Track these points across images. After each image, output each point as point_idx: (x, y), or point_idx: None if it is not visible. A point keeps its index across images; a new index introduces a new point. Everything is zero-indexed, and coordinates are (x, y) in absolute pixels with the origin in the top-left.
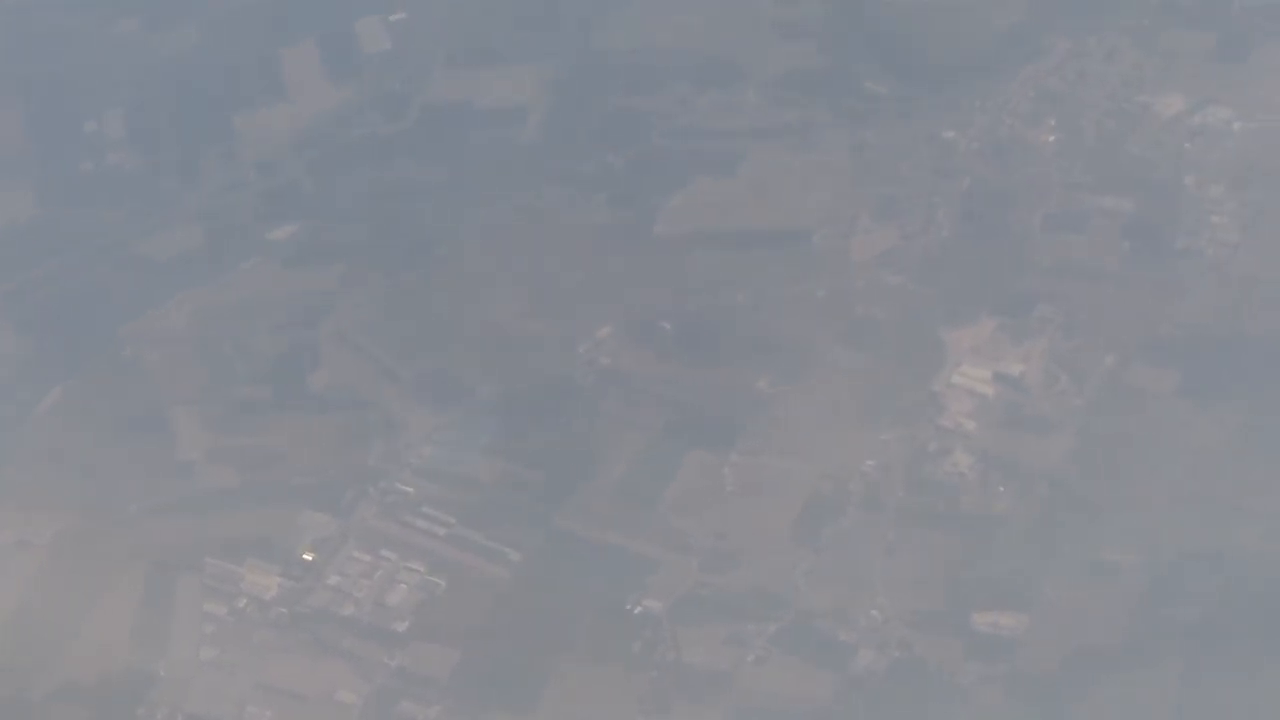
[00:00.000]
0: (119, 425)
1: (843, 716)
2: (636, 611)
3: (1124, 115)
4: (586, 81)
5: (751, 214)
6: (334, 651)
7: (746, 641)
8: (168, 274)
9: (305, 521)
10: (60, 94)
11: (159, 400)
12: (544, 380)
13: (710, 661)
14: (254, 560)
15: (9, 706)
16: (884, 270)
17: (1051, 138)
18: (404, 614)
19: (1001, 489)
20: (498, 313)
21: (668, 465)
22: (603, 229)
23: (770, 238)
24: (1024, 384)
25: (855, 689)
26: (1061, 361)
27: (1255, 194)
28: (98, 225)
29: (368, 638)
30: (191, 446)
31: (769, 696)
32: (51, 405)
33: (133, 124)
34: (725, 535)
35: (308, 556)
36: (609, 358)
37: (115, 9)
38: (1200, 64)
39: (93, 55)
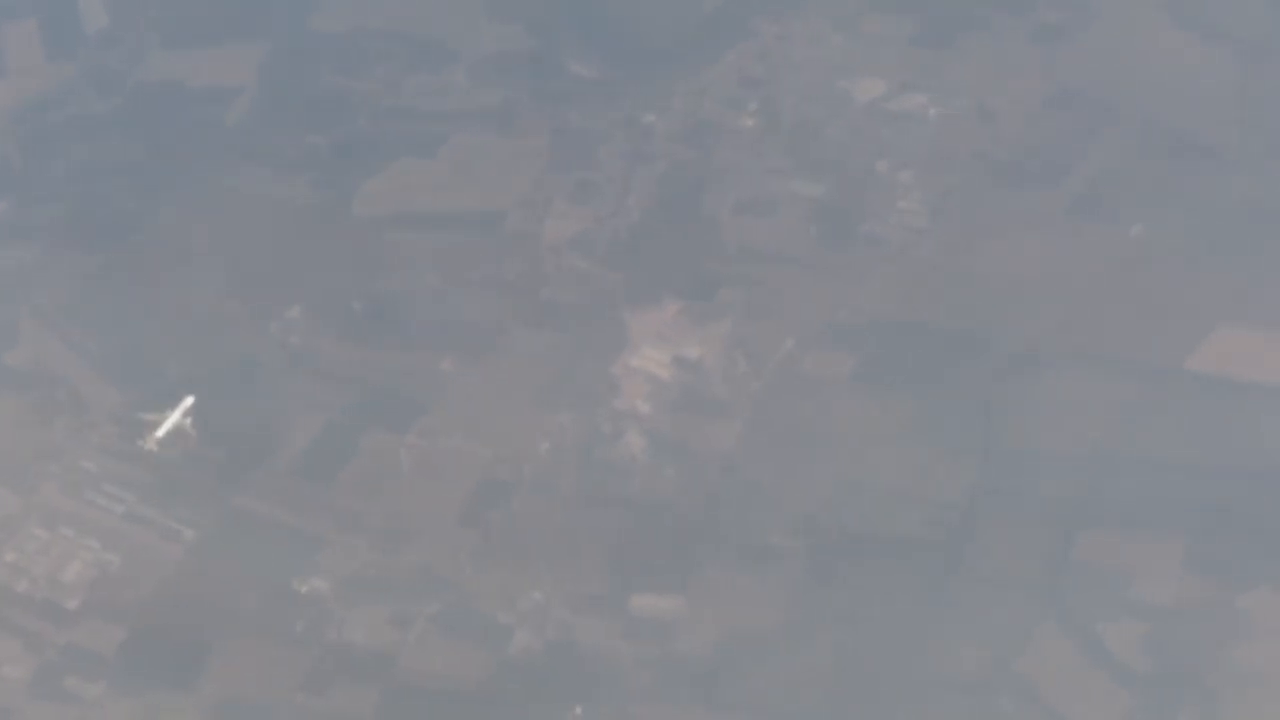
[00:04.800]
0: None
1: (497, 697)
2: (304, 591)
3: (823, 100)
4: (297, 62)
5: (449, 196)
6: (5, 628)
7: (408, 622)
8: None
9: None
10: None
11: None
12: (232, 359)
13: (371, 641)
14: None
15: None
16: (573, 254)
17: (751, 122)
18: (76, 591)
19: (671, 472)
20: (192, 292)
21: (346, 445)
22: (301, 210)
23: (465, 220)
24: (702, 367)
25: (511, 670)
26: (741, 345)
27: (945, 180)
28: None
29: (39, 614)
30: None
31: (426, 676)
32: None
33: None
34: (396, 516)
35: None
36: (298, 337)
37: None
38: (901, 49)
39: None
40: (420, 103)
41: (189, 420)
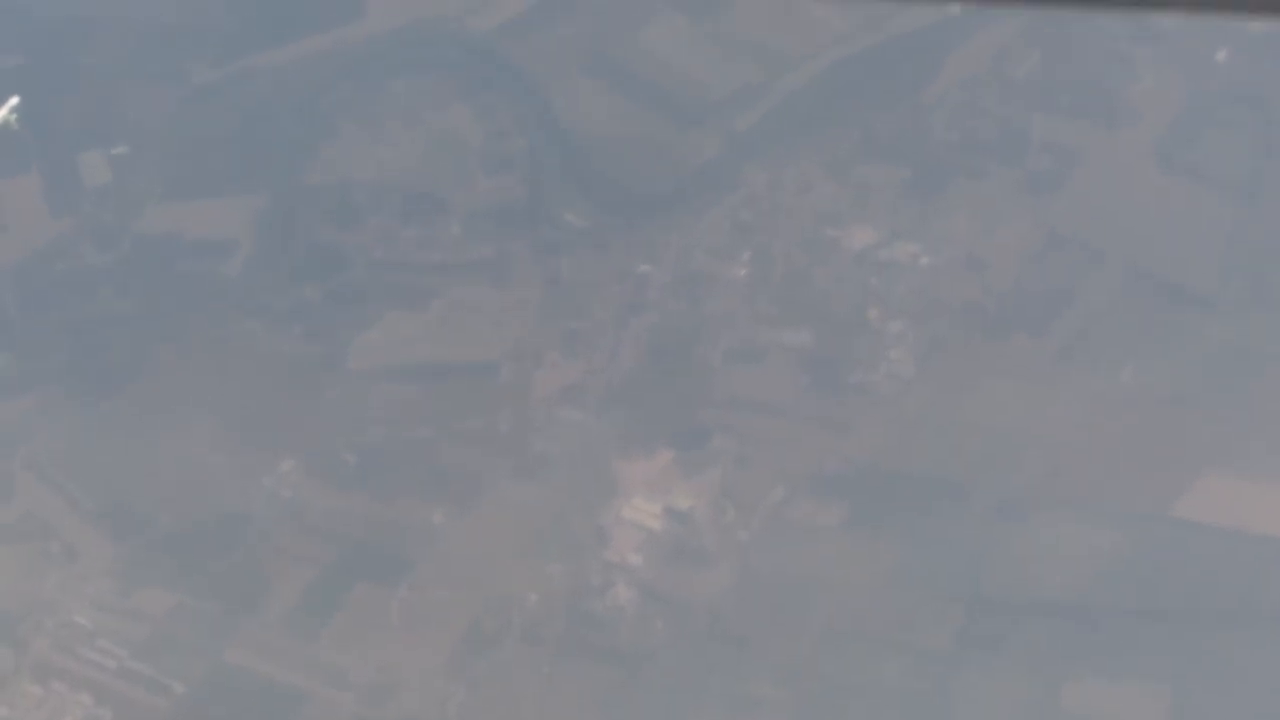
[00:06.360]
0: None
1: None
2: None
3: (814, 249)
4: (292, 215)
5: (442, 348)
6: None
7: None
8: None
9: None
10: None
11: None
12: (224, 513)
13: None
14: None
15: None
16: (565, 405)
17: (743, 271)
18: None
19: (660, 624)
20: (184, 445)
21: (335, 598)
22: (294, 362)
23: (458, 371)
24: (692, 518)
25: None
26: (731, 495)
27: (934, 329)
28: None
29: None
30: None
31: None
32: None
33: None
34: (384, 668)
35: None
36: (290, 490)
37: None
38: (893, 198)
39: None
40: (414, 255)
41: (14, 116)
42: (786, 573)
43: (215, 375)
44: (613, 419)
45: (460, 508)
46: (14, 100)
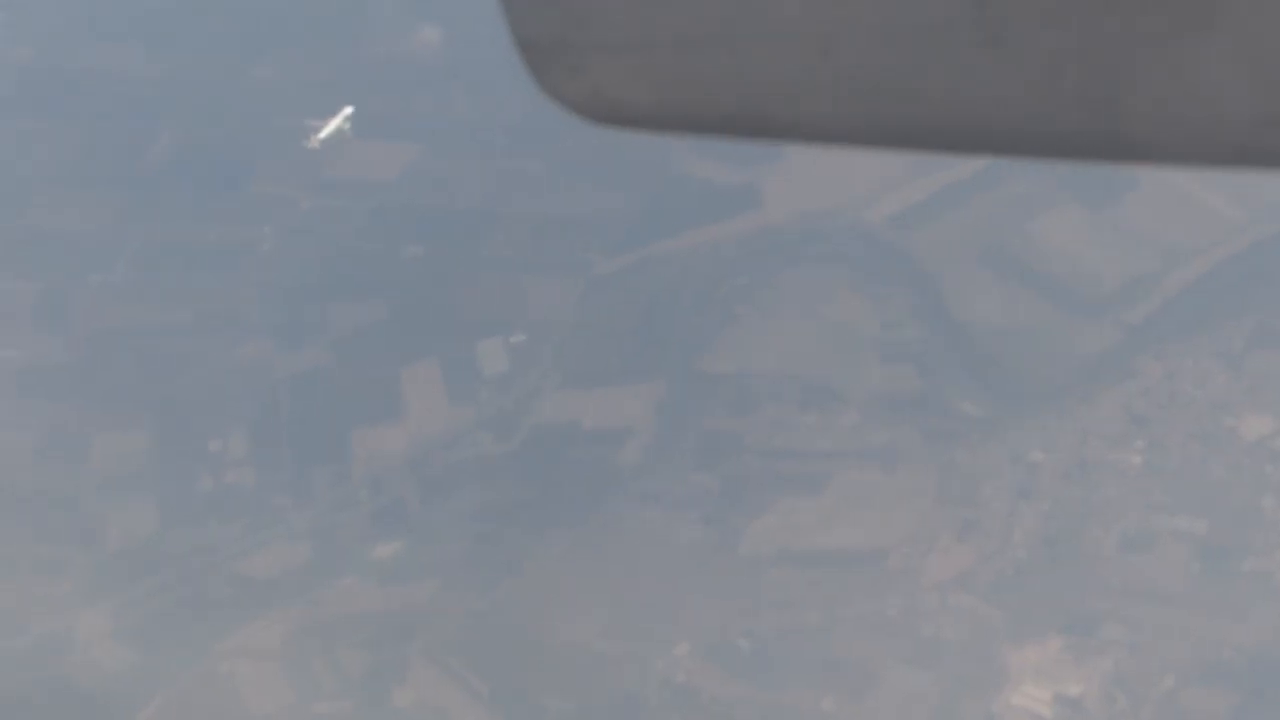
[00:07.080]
0: None
1: None
2: None
3: (1210, 438)
4: (688, 403)
5: (834, 534)
6: None
7: None
8: (267, 591)
9: None
10: (188, 414)
11: (247, 716)
12: (617, 696)
13: None
14: None
15: None
16: (956, 590)
17: (1137, 459)
18: None
19: None
20: (579, 630)
21: None
22: (689, 548)
23: (849, 557)
24: (1083, 705)
25: None
26: (1122, 683)
27: None
28: (210, 542)
29: None
30: None
31: None
32: (148, 717)
33: (254, 443)
34: None
35: None
36: (684, 675)
37: (244, 331)
38: None
39: (221, 375)
40: (808, 442)
41: (348, 125)
42: None
43: (611, 561)
44: (1004, 605)
45: (851, 694)
46: (348, 110)
